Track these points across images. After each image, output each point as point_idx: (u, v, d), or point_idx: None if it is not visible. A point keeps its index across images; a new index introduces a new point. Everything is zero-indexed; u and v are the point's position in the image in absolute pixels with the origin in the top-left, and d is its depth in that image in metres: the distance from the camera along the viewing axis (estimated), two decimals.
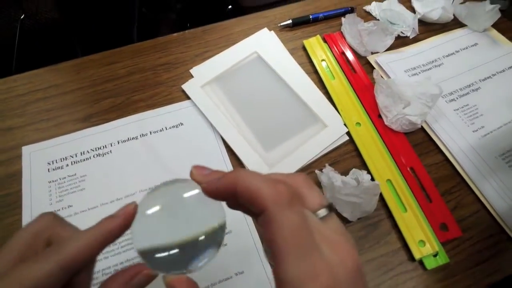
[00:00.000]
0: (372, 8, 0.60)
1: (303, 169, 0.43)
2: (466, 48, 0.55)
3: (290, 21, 0.57)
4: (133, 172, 0.42)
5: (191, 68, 0.51)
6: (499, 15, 0.54)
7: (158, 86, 0.50)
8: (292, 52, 0.53)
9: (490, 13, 0.54)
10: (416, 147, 0.45)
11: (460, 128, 0.46)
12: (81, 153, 0.43)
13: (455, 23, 0.58)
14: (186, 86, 0.49)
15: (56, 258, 0.19)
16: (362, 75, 0.51)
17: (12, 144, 0.44)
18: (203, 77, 0.50)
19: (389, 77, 0.51)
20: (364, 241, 0.39)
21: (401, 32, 0.56)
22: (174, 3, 1.16)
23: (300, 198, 0.20)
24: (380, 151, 0.44)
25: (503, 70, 0.52)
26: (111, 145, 0.44)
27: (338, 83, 0.50)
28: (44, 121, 0.46)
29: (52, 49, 0.99)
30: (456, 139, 0.45)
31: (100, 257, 0.36)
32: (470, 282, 0.37)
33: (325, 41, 0.55)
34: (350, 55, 0.53)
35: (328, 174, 0.38)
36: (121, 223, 0.21)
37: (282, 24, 0.57)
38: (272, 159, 0.43)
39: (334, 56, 0.53)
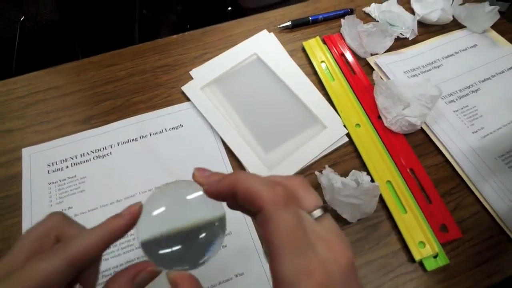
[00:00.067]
0: (372, 9, 0.60)
1: (302, 171, 0.43)
2: (466, 49, 0.55)
3: (289, 23, 0.57)
4: (133, 174, 0.42)
5: (191, 70, 0.51)
6: (498, 16, 0.54)
7: (158, 88, 0.50)
8: (291, 53, 0.54)
9: (489, 14, 0.54)
10: (416, 148, 0.45)
11: (459, 129, 0.46)
12: (81, 154, 0.43)
13: (455, 25, 0.58)
14: (186, 88, 0.49)
15: (63, 256, 0.20)
16: (361, 77, 0.51)
17: (12, 146, 0.44)
18: (202, 78, 0.50)
19: (388, 78, 0.51)
20: (364, 242, 0.39)
21: (401, 33, 0.56)
22: (175, 4, 1.17)
23: (296, 199, 0.21)
24: (380, 153, 0.44)
25: (503, 71, 0.52)
26: (111, 147, 0.44)
27: (337, 85, 0.50)
28: (44, 123, 0.46)
29: (52, 51, 1.00)
30: (456, 140, 0.45)
31: None
32: (470, 283, 0.37)
33: (324, 42, 0.55)
34: (349, 57, 0.53)
35: (328, 176, 0.38)
36: (126, 222, 0.23)
37: (281, 25, 0.57)
38: (272, 160, 0.43)
39: (334, 57, 0.53)
